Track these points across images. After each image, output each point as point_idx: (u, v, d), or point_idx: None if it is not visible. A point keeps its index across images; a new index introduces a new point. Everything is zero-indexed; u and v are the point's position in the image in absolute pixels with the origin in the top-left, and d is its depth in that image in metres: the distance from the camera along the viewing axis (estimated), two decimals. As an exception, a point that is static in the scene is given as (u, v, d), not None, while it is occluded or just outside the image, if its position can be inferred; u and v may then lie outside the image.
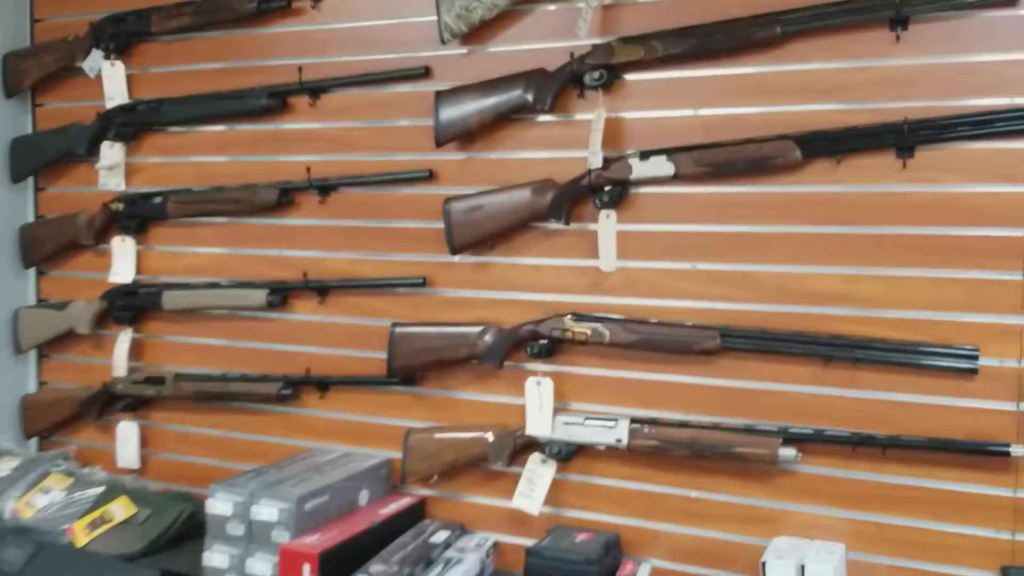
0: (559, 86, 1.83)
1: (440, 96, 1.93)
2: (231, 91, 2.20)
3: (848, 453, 1.67)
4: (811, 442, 1.67)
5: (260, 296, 2.16)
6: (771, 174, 1.70)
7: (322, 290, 2.13)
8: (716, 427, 1.75)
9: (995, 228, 1.57)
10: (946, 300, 1.60)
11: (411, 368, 1.99)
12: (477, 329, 1.92)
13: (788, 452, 1.66)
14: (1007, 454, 1.54)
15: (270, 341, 2.22)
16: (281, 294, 2.17)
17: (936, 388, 1.62)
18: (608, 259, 1.81)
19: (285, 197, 2.15)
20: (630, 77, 1.81)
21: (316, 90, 2.12)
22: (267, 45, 2.18)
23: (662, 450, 1.76)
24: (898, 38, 1.59)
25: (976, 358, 1.57)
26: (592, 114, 1.80)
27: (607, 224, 1.80)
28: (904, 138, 1.57)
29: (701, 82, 1.75)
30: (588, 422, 1.84)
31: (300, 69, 2.11)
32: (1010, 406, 1.58)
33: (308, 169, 2.12)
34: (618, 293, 1.85)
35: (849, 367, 1.66)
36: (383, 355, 2.01)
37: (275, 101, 2.15)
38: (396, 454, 2.06)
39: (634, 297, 1.84)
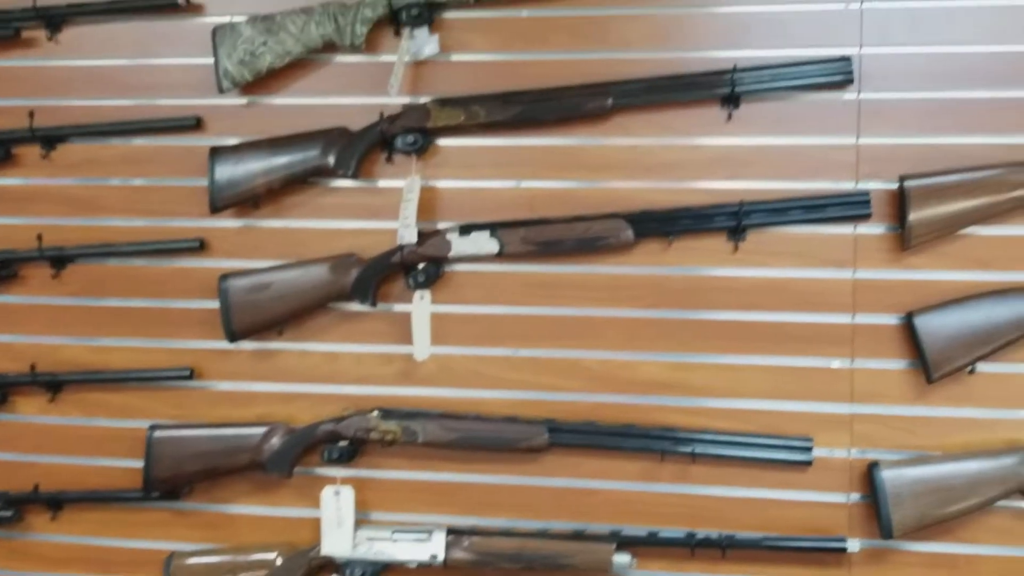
0: (365, 148, 1.60)
1: (217, 153, 1.63)
2: (-67, 135, 1.75)
3: (681, 555, 1.56)
4: (645, 545, 1.55)
5: (-33, 393, 1.72)
6: (601, 254, 1.58)
7: (54, 385, 1.73)
8: (544, 534, 1.58)
9: (824, 314, 1.54)
10: (778, 389, 1.56)
11: (175, 480, 1.65)
12: (261, 430, 1.63)
13: (623, 559, 1.54)
14: (843, 550, 1.50)
15: (-18, 449, 1.77)
16: (-2, 390, 1.74)
17: (769, 481, 1.57)
18: (422, 345, 1.59)
19: (6, 270, 1.74)
20: (447, 143, 1.62)
21: (51, 139, 1.73)
22: (-13, 81, 1.76)
23: (484, 564, 1.56)
24: (730, 116, 1.54)
25: (810, 449, 1.53)
26: (403, 181, 1.59)
27: (421, 306, 1.59)
28: (737, 220, 1.51)
29: (525, 152, 1.60)
30: (397, 536, 1.60)
31: (31, 113, 1.72)
32: (841, 498, 1.55)
33: (39, 236, 1.72)
34: (432, 383, 1.64)
35: (680, 462, 1.57)
36: (138, 464, 1.67)
37: (-5, 153, 1.74)
38: (153, 584, 1.71)
39: (451, 388, 1.64)
